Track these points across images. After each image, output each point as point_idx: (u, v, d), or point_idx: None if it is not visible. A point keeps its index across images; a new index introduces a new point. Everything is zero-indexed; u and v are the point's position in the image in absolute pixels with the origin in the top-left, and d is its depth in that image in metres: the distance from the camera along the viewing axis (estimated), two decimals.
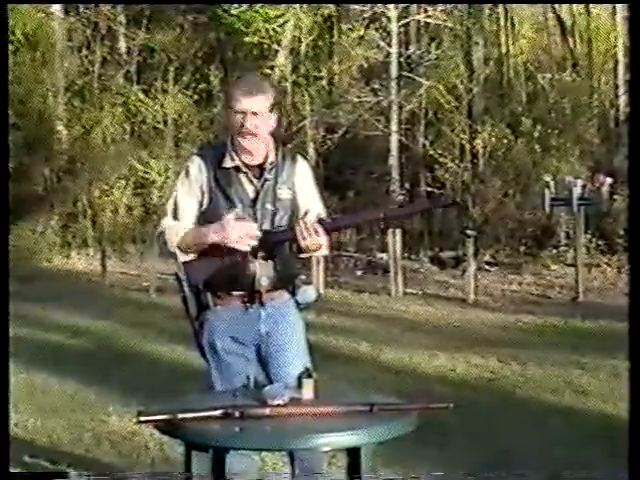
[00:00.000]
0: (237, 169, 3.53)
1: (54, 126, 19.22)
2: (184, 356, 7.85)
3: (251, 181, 3.54)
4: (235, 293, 3.53)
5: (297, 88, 19.16)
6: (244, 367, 3.56)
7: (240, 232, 3.40)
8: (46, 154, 18.68)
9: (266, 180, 3.53)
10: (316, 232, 3.39)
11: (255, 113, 3.46)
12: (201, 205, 3.54)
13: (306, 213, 3.59)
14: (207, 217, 3.51)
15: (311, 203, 3.64)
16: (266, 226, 3.50)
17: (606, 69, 18.56)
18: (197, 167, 3.56)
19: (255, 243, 3.43)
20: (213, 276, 3.47)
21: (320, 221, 3.43)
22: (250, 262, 3.48)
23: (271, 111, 3.52)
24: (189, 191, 3.56)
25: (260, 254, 3.48)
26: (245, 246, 3.41)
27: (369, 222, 3.69)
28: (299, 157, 3.71)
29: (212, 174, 3.53)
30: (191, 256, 3.52)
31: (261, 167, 3.54)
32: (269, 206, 3.52)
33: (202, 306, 3.53)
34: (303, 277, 3.68)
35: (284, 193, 3.56)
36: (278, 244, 3.49)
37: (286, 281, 3.59)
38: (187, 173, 3.57)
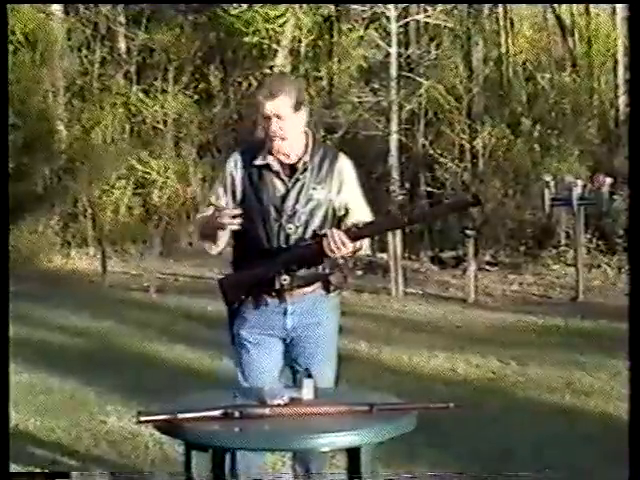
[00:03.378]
0: (267, 167, 3.51)
1: (54, 126, 19.20)
2: (184, 356, 7.88)
3: (282, 180, 3.51)
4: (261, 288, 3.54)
5: None
6: (268, 362, 3.57)
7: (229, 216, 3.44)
8: (46, 154, 18.66)
9: (297, 180, 3.51)
10: (344, 244, 3.34)
11: (279, 116, 3.43)
12: (235, 199, 3.56)
13: (346, 214, 3.56)
14: (242, 213, 3.49)
15: (351, 203, 3.59)
16: (296, 227, 3.48)
17: (606, 69, 18.56)
18: (233, 163, 3.58)
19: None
20: (247, 286, 3.53)
21: (346, 230, 3.38)
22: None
23: (298, 110, 3.47)
24: (223, 185, 3.59)
25: (289, 267, 3.48)
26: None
27: (395, 228, 3.67)
28: (341, 155, 3.67)
29: (246, 171, 3.54)
30: (219, 243, 3.57)
31: (294, 167, 3.52)
32: (299, 207, 3.49)
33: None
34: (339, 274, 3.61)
35: (319, 193, 3.52)
36: (305, 258, 3.46)
37: (312, 279, 3.54)
38: (225, 168, 3.61)
